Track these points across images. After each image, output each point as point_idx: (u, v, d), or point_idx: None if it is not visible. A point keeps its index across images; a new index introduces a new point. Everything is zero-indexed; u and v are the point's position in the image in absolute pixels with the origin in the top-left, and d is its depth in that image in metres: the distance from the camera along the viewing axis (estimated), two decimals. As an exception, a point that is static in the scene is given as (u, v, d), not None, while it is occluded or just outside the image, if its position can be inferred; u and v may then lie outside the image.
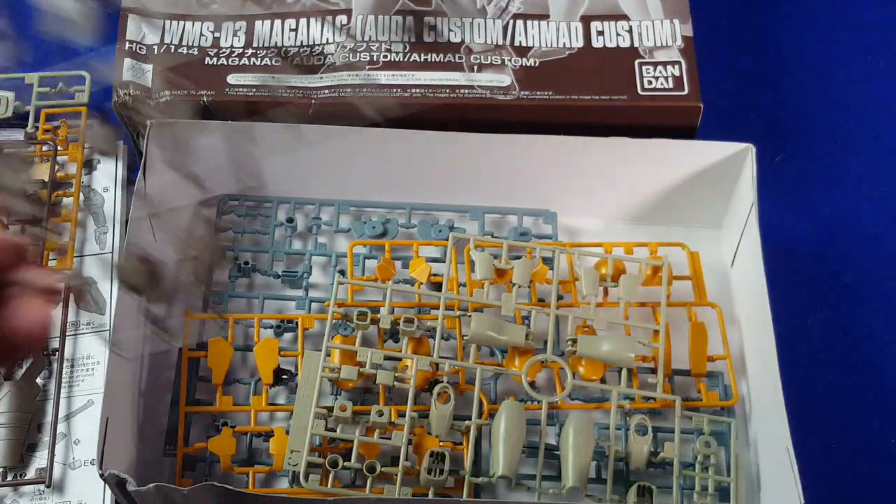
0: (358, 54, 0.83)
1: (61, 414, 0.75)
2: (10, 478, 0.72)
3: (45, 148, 0.85)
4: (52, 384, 0.76)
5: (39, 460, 0.73)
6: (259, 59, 0.83)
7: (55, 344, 0.77)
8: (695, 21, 0.85)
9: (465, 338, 0.74)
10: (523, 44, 0.84)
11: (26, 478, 0.73)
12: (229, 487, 0.63)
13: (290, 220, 0.83)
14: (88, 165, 0.86)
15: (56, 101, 0.88)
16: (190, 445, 0.73)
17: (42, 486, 0.72)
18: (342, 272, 0.80)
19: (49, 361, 0.77)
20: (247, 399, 0.75)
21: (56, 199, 0.83)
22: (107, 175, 0.85)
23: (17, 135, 0.86)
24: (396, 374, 0.73)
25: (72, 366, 0.77)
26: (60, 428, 0.74)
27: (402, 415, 0.72)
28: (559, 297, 0.77)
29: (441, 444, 0.72)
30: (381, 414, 0.71)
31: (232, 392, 0.75)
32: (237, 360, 0.77)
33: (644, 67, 0.82)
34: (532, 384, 0.74)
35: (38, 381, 0.76)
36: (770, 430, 0.71)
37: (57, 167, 0.84)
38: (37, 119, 0.86)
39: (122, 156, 0.86)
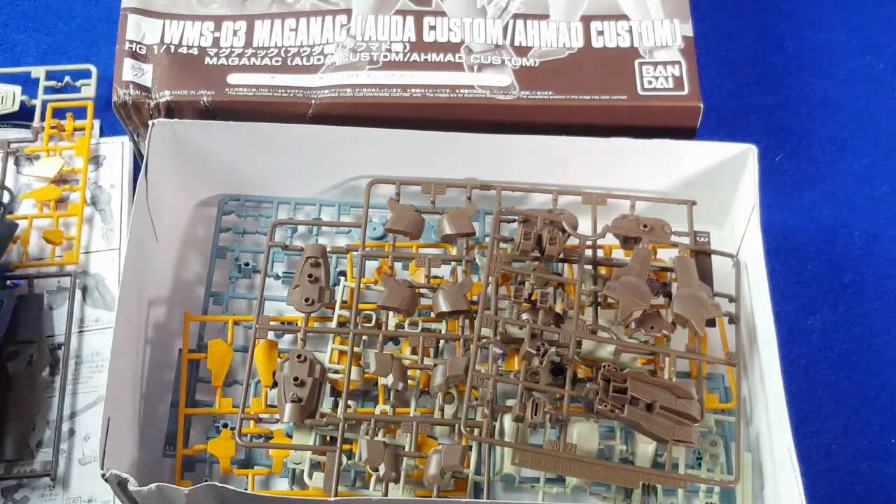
0: (358, 54, 0.83)
1: (69, 410, 0.75)
2: (15, 471, 0.73)
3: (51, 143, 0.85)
4: (59, 380, 0.76)
5: (46, 455, 0.74)
6: (259, 59, 0.83)
7: (61, 339, 0.77)
8: (695, 21, 0.84)
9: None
10: (523, 44, 0.84)
11: (32, 471, 0.73)
12: (230, 488, 0.63)
13: (291, 221, 0.83)
14: (95, 162, 0.86)
15: (62, 95, 0.88)
16: (190, 447, 0.73)
17: (52, 481, 0.73)
18: (343, 274, 0.80)
19: (55, 357, 0.77)
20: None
21: (63, 193, 0.83)
22: (113, 172, 0.85)
23: (24, 129, 0.87)
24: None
25: (81, 363, 0.77)
26: (69, 424, 0.75)
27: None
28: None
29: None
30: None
31: (232, 394, 0.75)
32: (237, 362, 0.77)
33: (644, 67, 0.82)
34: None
35: (45, 375, 0.76)
36: (771, 431, 0.71)
37: (63, 163, 0.84)
38: (43, 114, 0.87)
39: (128, 154, 0.86)
